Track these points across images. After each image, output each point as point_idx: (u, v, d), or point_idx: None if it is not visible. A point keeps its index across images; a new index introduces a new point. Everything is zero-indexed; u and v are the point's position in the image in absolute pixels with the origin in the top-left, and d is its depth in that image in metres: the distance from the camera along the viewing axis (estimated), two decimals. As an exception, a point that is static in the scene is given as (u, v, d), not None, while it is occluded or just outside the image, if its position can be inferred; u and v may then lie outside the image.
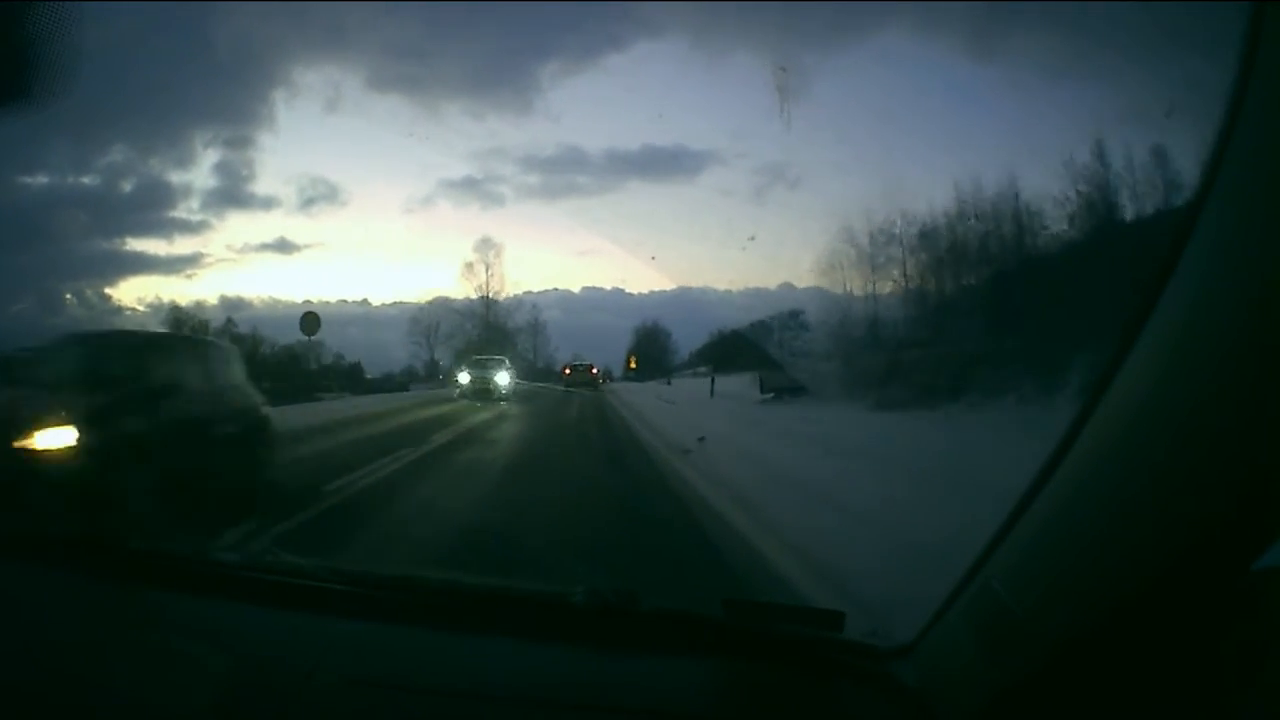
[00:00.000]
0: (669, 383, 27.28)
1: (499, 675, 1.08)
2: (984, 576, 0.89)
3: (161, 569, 1.37)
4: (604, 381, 32.67)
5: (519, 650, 1.13)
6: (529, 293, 38.93)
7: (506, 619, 1.21)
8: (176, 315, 27.10)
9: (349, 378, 27.60)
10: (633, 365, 36.87)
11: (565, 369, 33.16)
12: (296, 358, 23.82)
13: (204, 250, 23.01)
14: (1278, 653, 0.65)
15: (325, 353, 27.87)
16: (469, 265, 34.79)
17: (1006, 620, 0.81)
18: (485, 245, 34.79)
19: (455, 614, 1.23)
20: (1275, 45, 0.57)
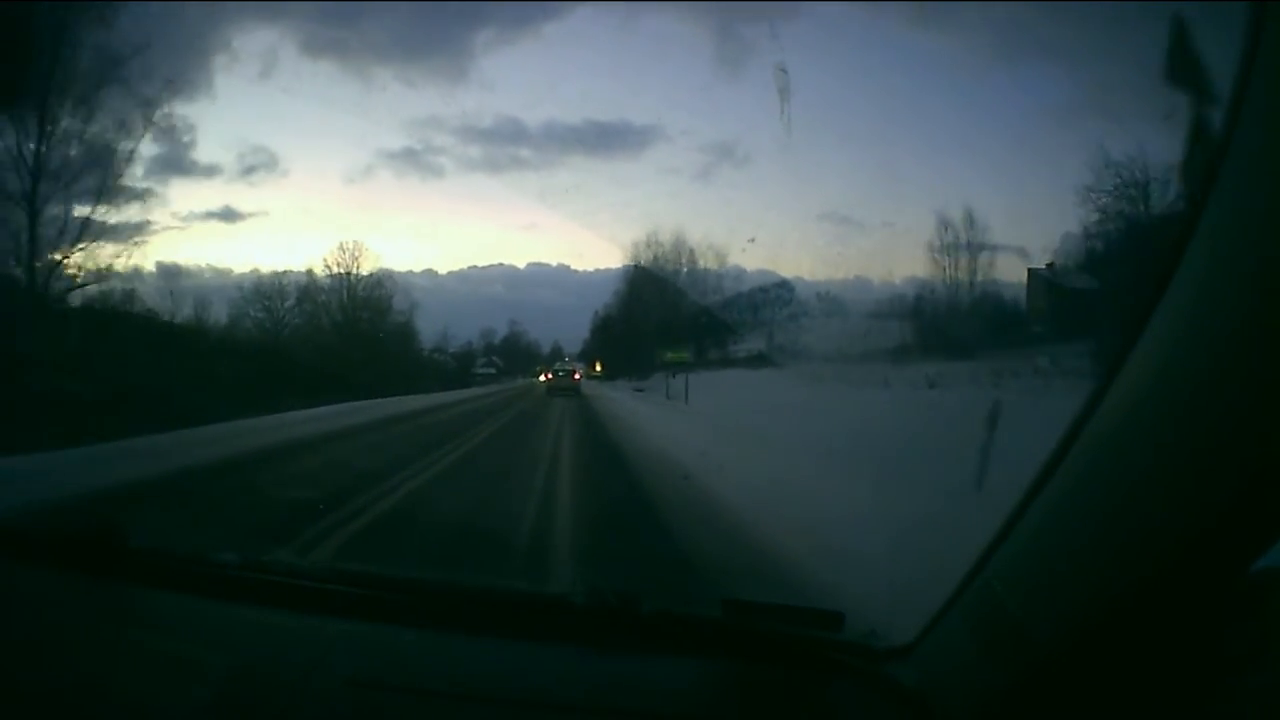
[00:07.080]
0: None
1: (500, 676, 1.08)
2: (983, 578, 0.89)
3: (161, 569, 1.37)
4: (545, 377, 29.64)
5: (520, 651, 1.13)
6: (474, 267, 36.51)
7: (507, 620, 1.21)
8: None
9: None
10: (678, 357, 20.73)
11: (547, 373, 32.19)
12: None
13: (149, 218, 21.32)
14: (1277, 653, 0.65)
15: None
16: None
17: (1005, 621, 0.81)
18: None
19: (456, 615, 1.23)
20: (1275, 45, 0.57)
